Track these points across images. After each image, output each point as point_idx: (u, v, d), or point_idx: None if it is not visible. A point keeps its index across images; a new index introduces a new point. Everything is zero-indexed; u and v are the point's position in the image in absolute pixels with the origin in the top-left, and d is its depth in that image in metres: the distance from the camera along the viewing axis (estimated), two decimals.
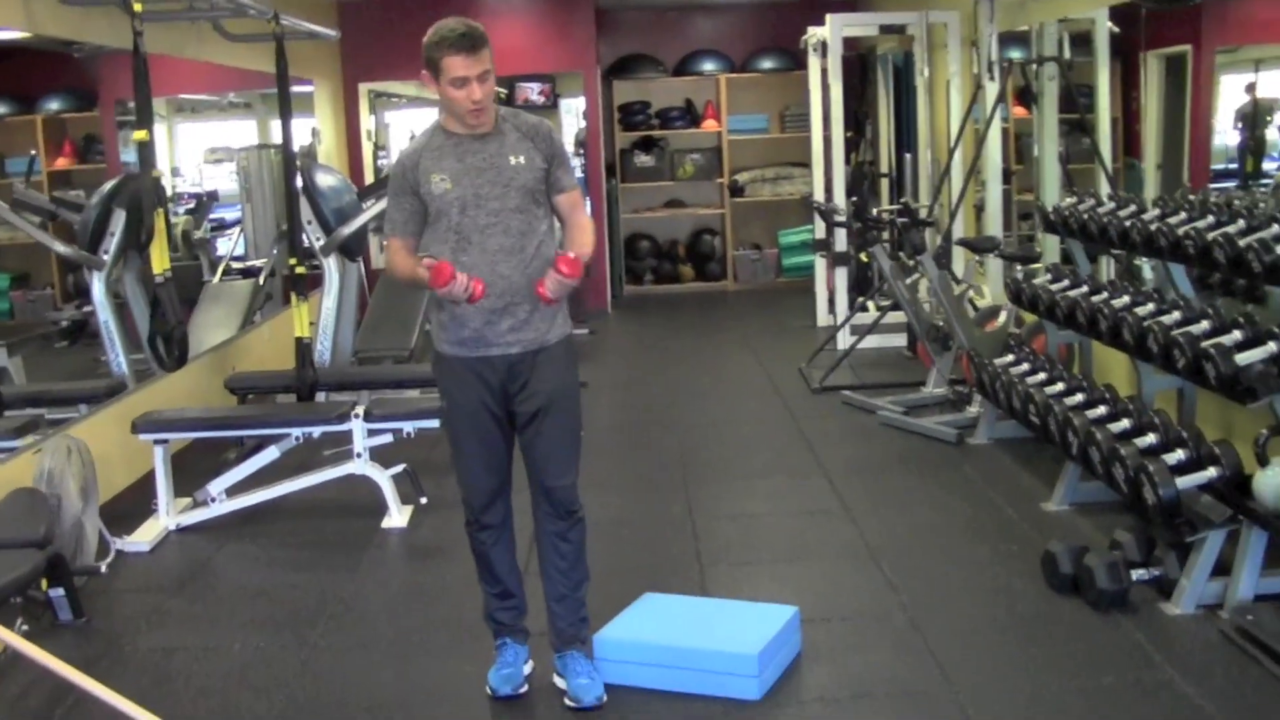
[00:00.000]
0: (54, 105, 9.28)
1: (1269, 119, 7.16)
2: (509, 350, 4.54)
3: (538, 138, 4.56)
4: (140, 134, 6.78)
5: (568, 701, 4.66)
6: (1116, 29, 8.29)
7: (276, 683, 4.97)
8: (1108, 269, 7.95)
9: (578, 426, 4.77)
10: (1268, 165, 7.26)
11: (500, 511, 4.77)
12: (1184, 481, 5.15)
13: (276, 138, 11.38)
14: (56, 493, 5.84)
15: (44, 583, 5.26)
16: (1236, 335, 5.28)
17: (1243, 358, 5.11)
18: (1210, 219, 5.78)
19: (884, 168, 13.35)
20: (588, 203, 12.85)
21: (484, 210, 4.44)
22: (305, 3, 11.54)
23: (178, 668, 5.15)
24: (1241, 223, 5.50)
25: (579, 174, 12.95)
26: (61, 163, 9.30)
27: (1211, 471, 5.16)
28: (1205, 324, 5.53)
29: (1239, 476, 5.11)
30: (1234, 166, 7.49)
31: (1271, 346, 5.07)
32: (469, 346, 4.55)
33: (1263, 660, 4.64)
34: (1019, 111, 10.45)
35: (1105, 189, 7.88)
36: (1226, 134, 7.51)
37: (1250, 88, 7.35)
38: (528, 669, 4.84)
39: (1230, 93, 7.49)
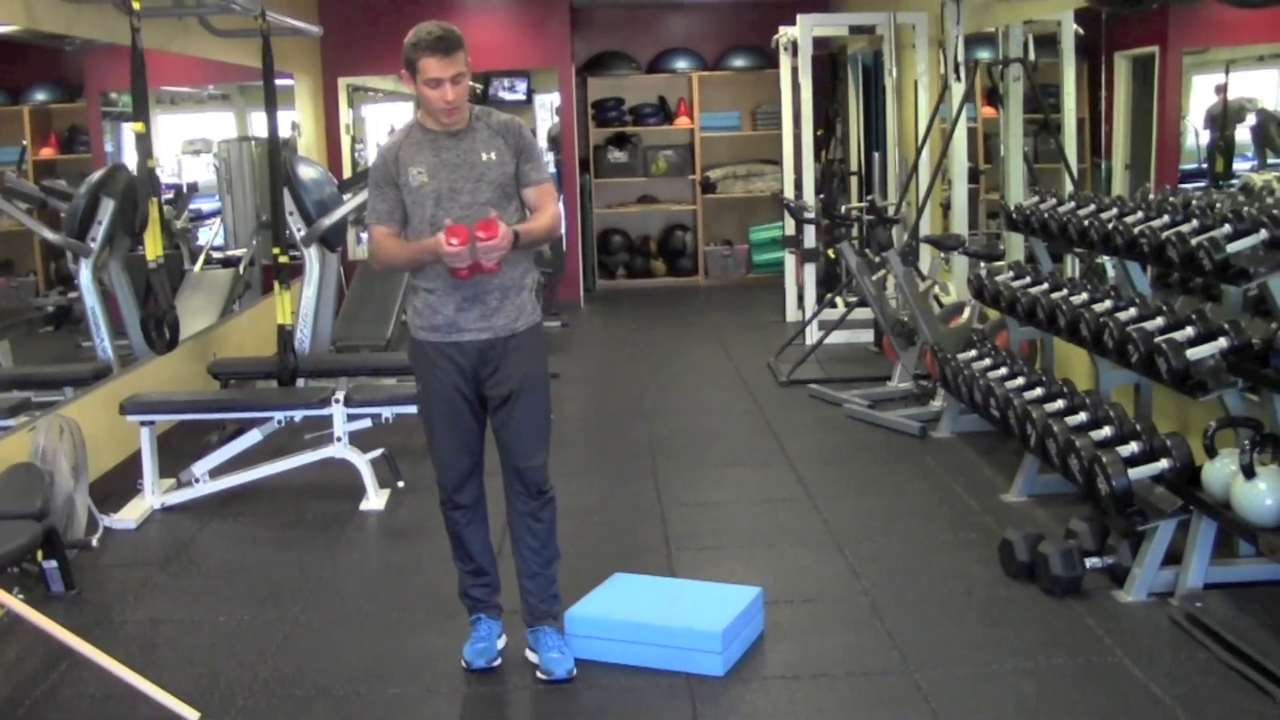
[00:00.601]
0: (40, 96, 9.39)
1: (1240, 120, 7.25)
2: (479, 336, 4.74)
3: (508, 134, 4.75)
4: (137, 126, 6.97)
5: (540, 675, 4.83)
6: (1082, 31, 8.41)
7: (260, 654, 5.15)
8: (1072, 267, 8.12)
9: (547, 410, 4.96)
10: (1239, 166, 7.33)
11: (473, 492, 4.95)
12: (1136, 472, 5.34)
13: (255, 130, 11.53)
14: (49, 469, 6.01)
15: (39, 554, 5.45)
16: (1189, 331, 5.43)
17: (1193, 353, 5.29)
18: (1165, 218, 5.92)
19: (854, 166, 13.52)
20: (563, 199, 12.97)
21: (458, 204, 4.64)
22: None
23: (165, 638, 5.34)
24: (1195, 222, 5.65)
25: (552, 169, 13.16)
26: (46, 152, 9.39)
27: (1163, 463, 5.34)
28: (1159, 320, 5.69)
29: (1190, 468, 5.29)
30: (1205, 166, 7.58)
31: (1221, 342, 5.24)
32: (442, 332, 4.75)
33: (1209, 646, 4.82)
34: (987, 111, 10.57)
35: (1070, 188, 8.06)
36: (1199, 134, 7.60)
37: (1221, 89, 7.45)
38: (501, 643, 5.01)
39: (1202, 93, 7.59)
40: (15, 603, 4.60)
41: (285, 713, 4.68)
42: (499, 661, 4.96)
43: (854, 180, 13.42)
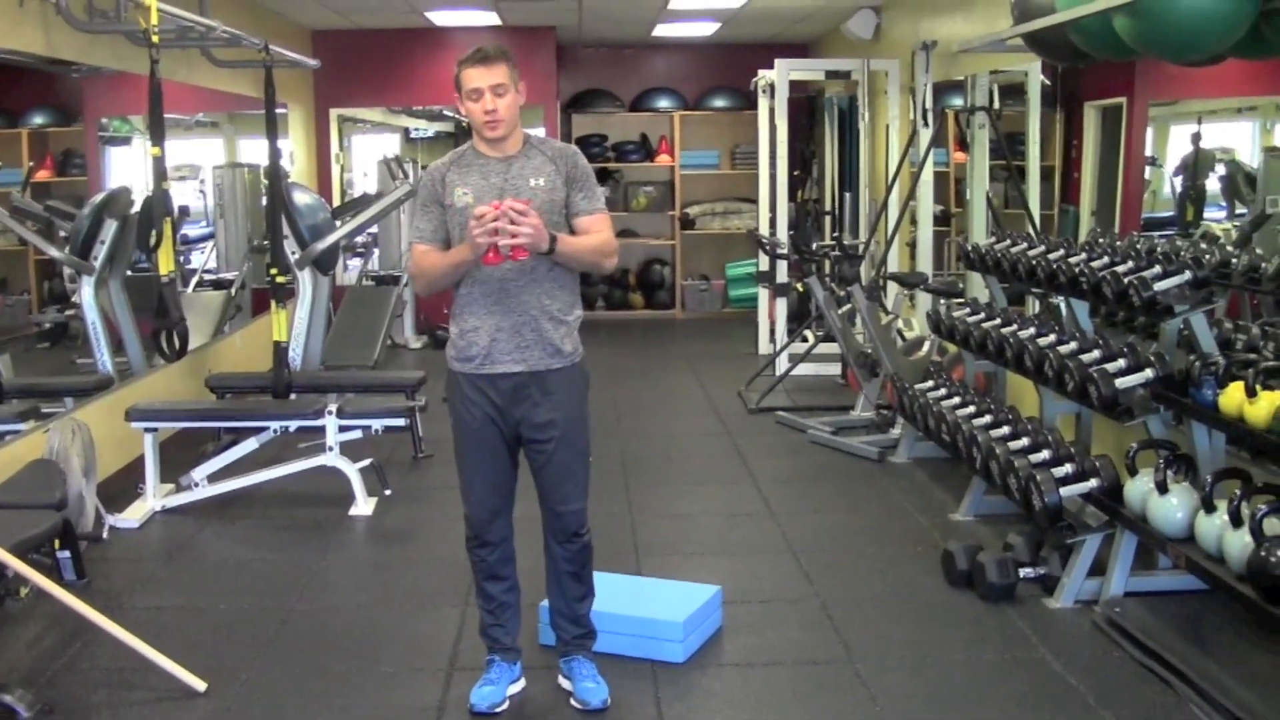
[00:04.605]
0: (38, 120, 9.69)
1: (1211, 170, 7.39)
2: (513, 369, 4.63)
3: (561, 161, 4.68)
4: (155, 150, 7.41)
5: (574, 703, 4.86)
6: (1048, 81, 8.71)
7: (259, 637, 5.57)
8: (1032, 307, 8.45)
9: (586, 452, 4.86)
10: (1214, 214, 7.42)
11: (501, 530, 4.84)
12: (1067, 490, 5.80)
13: (244, 156, 11.92)
14: (63, 467, 6.42)
15: (55, 544, 5.82)
16: (1120, 363, 5.87)
17: (1122, 382, 5.72)
18: (1105, 259, 6.36)
19: (828, 205, 13.96)
20: None
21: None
22: (282, 31, 12.18)
23: (171, 623, 5.75)
24: (1130, 263, 6.09)
25: None
26: (42, 175, 9.64)
27: (1092, 482, 5.81)
28: (1096, 353, 6.11)
29: (1116, 487, 5.74)
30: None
31: (1148, 373, 5.68)
32: (475, 363, 4.66)
33: (1124, 645, 5.29)
34: (959, 157, 10.81)
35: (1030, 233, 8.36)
36: (1174, 183, 7.73)
37: (1195, 138, 7.59)
38: (515, 689, 4.93)
39: (1180, 142, 7.73)
40: (44, 580, 5.03)
41: (285, 686, 5.08)
42: (504, 706, 4.85)
43: (828, 219, 13.84)
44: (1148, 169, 7.84)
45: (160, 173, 7.49)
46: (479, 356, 4.67)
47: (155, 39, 7.46)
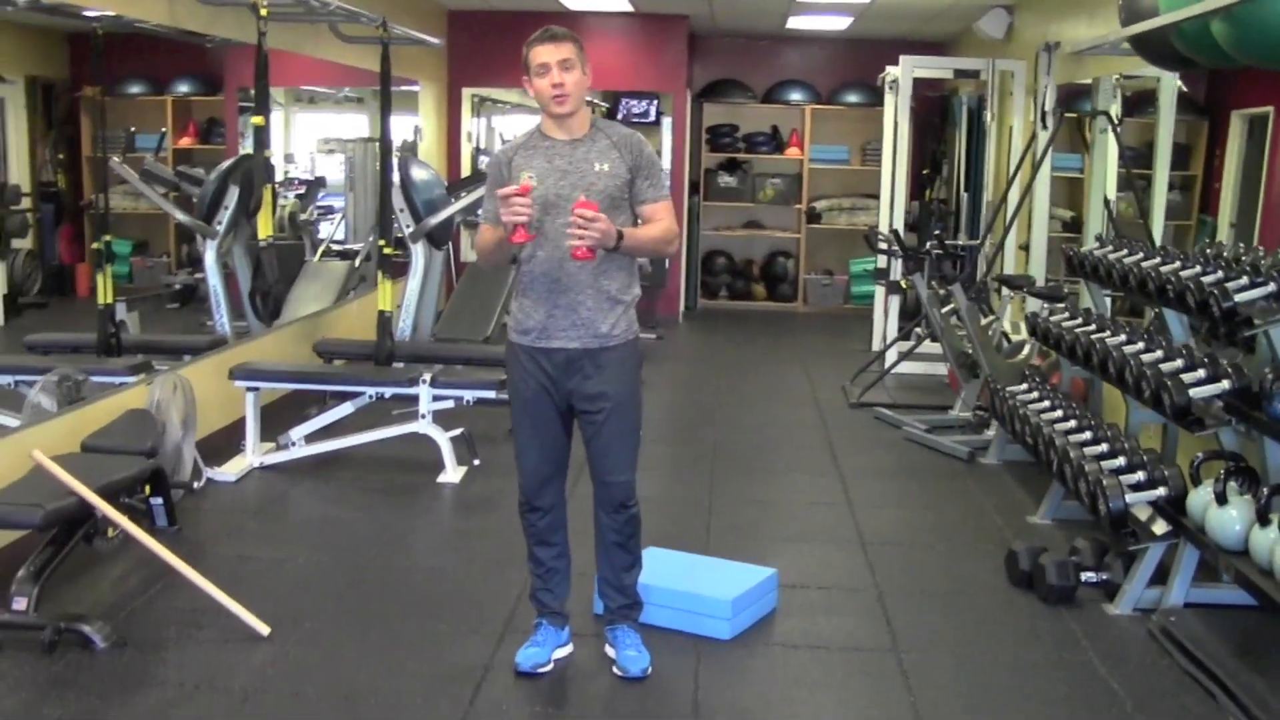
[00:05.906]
0: (183, 89, 10.05)
1: None
2: (568, 345, 4.76)
3: (626, 148, 4.76)
4: (257, 119, 7.74)
5: (615, 670, 5.00)
6: (1185, 88, 8.62)
7: (331, 590, 5.84)
8: (1149, 316, 8.26)
9: (637, 426, 4.99)
10: None
11: (551, 497, 5.00)
12: (1133, 497, 5.82)
13: None
14: (162, 419, 6.72)
15: (147, 490, 6.13)
16: (1200, 373, 5.85)
17: (1196, 391, 5.72)
18: (1197, 268, 6.29)
19: (955, 205, 13.93)
20: None
21: (564, 211, 4.59)
22: (416, 9, 12.44)
23: (250, 572, 6.02)
24: (1220, 273, 6.01)
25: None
26: (185, 142, 10.05)
27: (1160, 490, 5.82)
28: (1178, 362, 6.08)
29: (1181, 496, 5.73)
30: None
31: (1224, 384, 5.67)
32: (532, 336, 4.80)
33: (1174, 654, 5.31)
34: None
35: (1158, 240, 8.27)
36: None
37: None
38: (562, 653, 5.10)
39: None
40: (127, 523, 5.32)
41: (343, 638, 5.31)
42: (547, 669, 5.01)
43: (953, 219, 13.81)
44: None
45: (262, 142, 7.80)
46: (535, 330, 4.81)
47: (264, 12, 7.72)
